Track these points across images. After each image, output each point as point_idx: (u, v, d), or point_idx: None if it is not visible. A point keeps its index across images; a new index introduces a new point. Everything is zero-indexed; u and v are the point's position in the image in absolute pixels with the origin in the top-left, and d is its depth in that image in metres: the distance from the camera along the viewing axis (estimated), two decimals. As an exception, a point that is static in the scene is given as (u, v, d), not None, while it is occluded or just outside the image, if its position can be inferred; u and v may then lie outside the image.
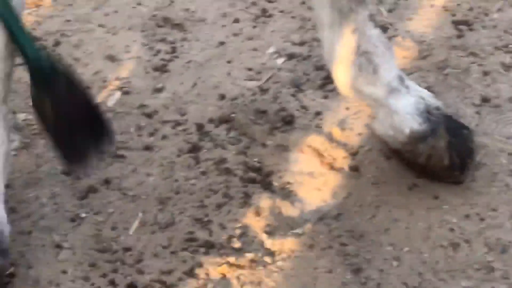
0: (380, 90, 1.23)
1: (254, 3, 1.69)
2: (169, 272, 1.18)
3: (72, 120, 1.12)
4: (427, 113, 1.25)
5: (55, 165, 1.30)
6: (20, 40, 1.06)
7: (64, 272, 1.18)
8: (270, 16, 1.61)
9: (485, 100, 1.49)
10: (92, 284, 1.17)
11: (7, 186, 1.26)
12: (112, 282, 1.17)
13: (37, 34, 1.57)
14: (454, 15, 1.67)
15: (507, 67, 1.55)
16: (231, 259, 1.19)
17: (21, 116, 1.37)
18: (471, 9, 1.70)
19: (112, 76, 1.47)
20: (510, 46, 1.62)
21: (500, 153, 1.37)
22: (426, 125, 1.24)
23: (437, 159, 1.25)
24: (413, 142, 1.24)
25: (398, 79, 1.25)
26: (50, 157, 1.32)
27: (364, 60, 1.22)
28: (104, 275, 1.18)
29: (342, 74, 1.23)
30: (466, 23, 1.66)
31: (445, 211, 1.29)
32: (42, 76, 1.09)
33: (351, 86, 1.23)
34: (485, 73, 1.54)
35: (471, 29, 1.66)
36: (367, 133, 1.35)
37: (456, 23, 1.66)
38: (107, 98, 1.42)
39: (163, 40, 1.54)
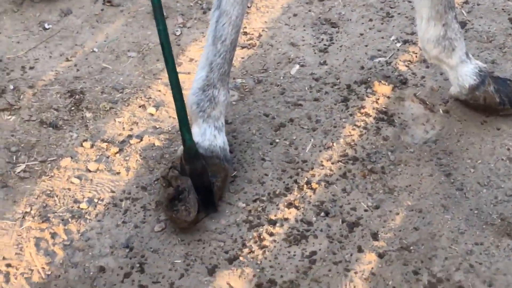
0: (454, 61, 2.99)
1: (381, 9, 3.65)
2: (330, 175, 2.98)
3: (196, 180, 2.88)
4: (479, 72, 3.04)
5: (260, 110, 3.17)
6: (184, 131, 2.81)
7: (266, 175, 3.01)
8: (392, 17, 3.58)
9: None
10: (284, 182, 2.98)
11: (231, 123, 3.15)
12: (295, 181, 2.96)
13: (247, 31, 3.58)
14: (509, 14, 3.58)
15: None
16: (369, 167, 2.96)
17: (239, 81, 3.32)
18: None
19: (293, 55, 3.43)
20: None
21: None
22: (478, 80, 3.03)
23: (489, 99, 3.05)
24: (471, 91, 3.06)
25: (465, 54, 2.99)
26: (256, 105, 3.20)
27: (448, 43, 2.96)
28: (290, 177, 3.00)
29: (431, 50, 3.01)
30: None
31: (504, 137, 3.06)
32: (190, 154, 2.85)
33: (437, 58, 3.00)
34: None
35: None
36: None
37: (510, 20, 3.56)
38: (290, 69, 3.35)
39: (324, 33, 3.51)
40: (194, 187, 2.76)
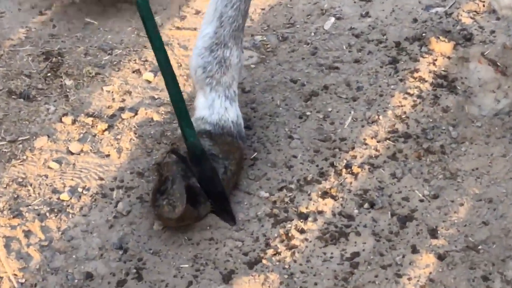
0: None
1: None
2: (376, 157, 2.97)
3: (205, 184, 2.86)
4: None
5: (286, 75, 3.16)
6: (184, 126, 2.79)
7: (295, 156, 2.99)
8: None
9: None
10: (317, 166, 2.98)
11: (249, 91, 3.14)
12: (332, 164, 2.97)
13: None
14: None
15: None
16: (424, 146, 2.95)
17: (258, 38, 3.31)
18: None
19: (327, 5, 3.42)
20: None
21: None
22: None
23: None
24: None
25: None
26: (281, 69, 3.20)
27: None
28: (326, 159, 2.98)
29: None
30: None
31: None
32: (195, 154, 2.83)
33: (510, 7, 3.01)
34: None
35: None
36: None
37: None
38: (323, 22, 3.34)
39: (367, -24, 3.52)
40: (207, 193, 2.78)
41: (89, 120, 3.04)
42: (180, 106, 2.71)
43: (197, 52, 2.93)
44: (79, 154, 2.95)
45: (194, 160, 2.76)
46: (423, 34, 3.37)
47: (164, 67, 2.67)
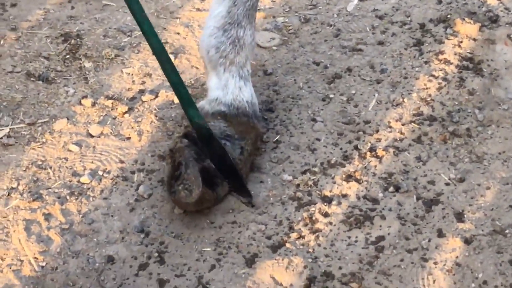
0: None
1: None
2: (401, 140, 2.98)
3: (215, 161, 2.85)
4: None
5: (308, 57, 3.18)
6: (187, 108, 2.76)
7: (318, 139, 3.00)
8: None
9: None
10: (341, 149, 2.99)
11: (271, 74, 3.16)
12: (356, 147, 2.98)
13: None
14: None
15: None
16: (450, 129, 2.96)
17: (280, 19, 3.33)
18: None
19: None
20: None
21: None
22: None
23: None
24: None
25: None
26: (304, 51, 3.21)
27: None
28: (349, 142, 2.98)
29: None
30: None
31: None
32: (202, 134, 2.83)
33: None
34: None
35: None
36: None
37: None
38: (346, 4, 3.36)
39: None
40: (220, 171, 2.79)
41: (109, 102, 3.06)
42: (179, 87, 2.70)
43: (208, 32, 2.93)
44: (99, 136, 2.96)
45: (203, 140, 2.77)
46: (448, 16, 3.39)
47: (157, 49, 2.66)
